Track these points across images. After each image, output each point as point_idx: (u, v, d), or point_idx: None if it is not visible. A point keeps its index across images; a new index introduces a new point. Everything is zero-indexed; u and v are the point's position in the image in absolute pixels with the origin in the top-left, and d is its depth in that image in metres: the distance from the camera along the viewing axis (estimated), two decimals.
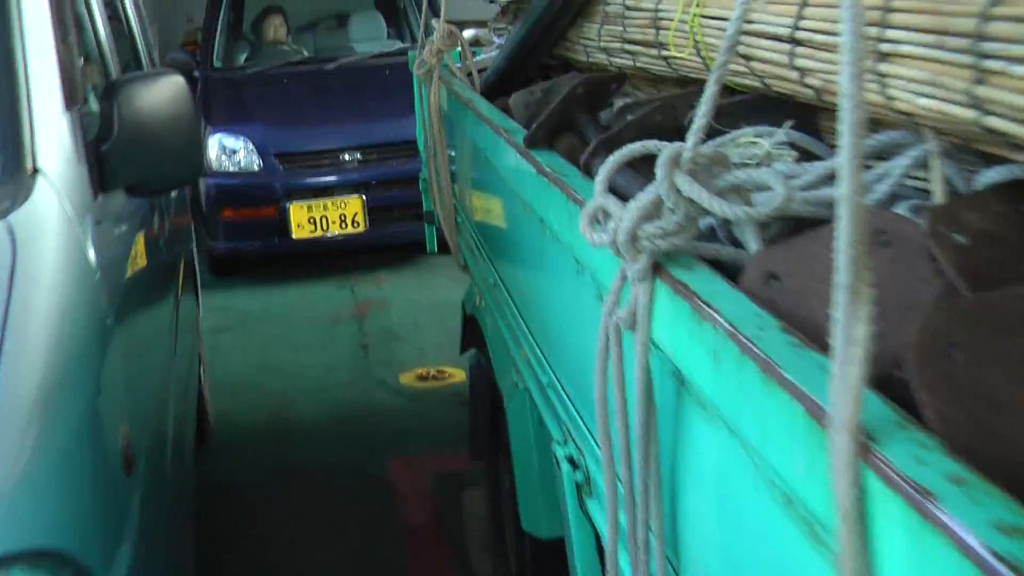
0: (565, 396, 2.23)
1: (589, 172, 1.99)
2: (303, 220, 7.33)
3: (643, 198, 1.33)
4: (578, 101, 2.18)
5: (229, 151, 7.42)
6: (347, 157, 7.47)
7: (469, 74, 3.83)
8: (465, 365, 6.01)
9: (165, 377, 3.18)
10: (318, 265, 7.89)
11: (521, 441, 2.87)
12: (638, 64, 2.42)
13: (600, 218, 1.40)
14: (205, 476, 4.78)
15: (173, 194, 4.64)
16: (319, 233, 7.37)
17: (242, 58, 8.77)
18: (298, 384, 5.88)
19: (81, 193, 2.13)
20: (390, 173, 7.43)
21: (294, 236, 7.36)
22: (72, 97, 2.23)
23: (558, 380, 2.30)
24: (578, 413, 2.14)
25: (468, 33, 4.39)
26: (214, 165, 7.44)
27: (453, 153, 3.88)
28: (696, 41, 1.95)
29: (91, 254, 2.07)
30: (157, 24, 11.83)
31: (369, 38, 8.95)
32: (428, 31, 5.65)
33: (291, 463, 4.95)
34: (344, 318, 6.92)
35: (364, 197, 7.37)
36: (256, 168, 7.40)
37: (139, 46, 4.37)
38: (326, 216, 7.34)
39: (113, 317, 2.18)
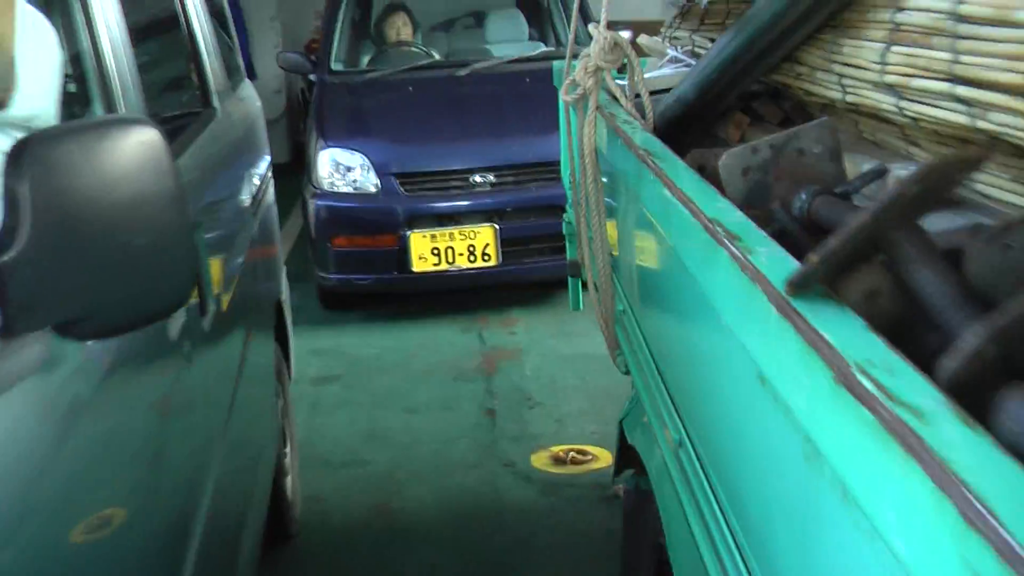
0: None
1: (956, 390, 0.89)
2: (426, 251, 6.28)
3: None
4: (904, 210, 1.07)
5: (343, 169, 6.41)
6: (478, 179, 6.39)
7: (637, 95, 2.75)
8: (610, 444, 4.93)
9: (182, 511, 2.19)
10: (441, 302, 6.84)
11: None
12: (995, 124, 1.28)
13: None
14: None
15: (261, 220, 3.67)
16: (444, 267, 6.30)
17: (365, 61, 7.78)
18: (410, 462, 4.84)
19: None
20: (528, 199, 6.34)
21: (415, 269, 6.30)
22: None
23: None
24: None
25: (623, 35, 3.26)
26: (325, 184, 6.43)
27: (615, 213, 2.78)
28: None
29: None
30: (280, 21, 10.99)
31: (508, 40, 7.87)
32: (579, 39, 4.56)
33: None
34: (469, 371, 5.85)
35: (497, 226, 6.29)
36: (373, 190, 6.36)
37: (204, 53, 3.34)
38: (452, 247, 6.27)
39: None
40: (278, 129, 11.09)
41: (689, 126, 2.69)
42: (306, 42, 11.11)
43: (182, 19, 3.22)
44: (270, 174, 4.39)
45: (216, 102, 3.33)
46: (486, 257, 6.29)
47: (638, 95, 2.79)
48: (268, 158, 4.38)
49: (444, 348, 6.22)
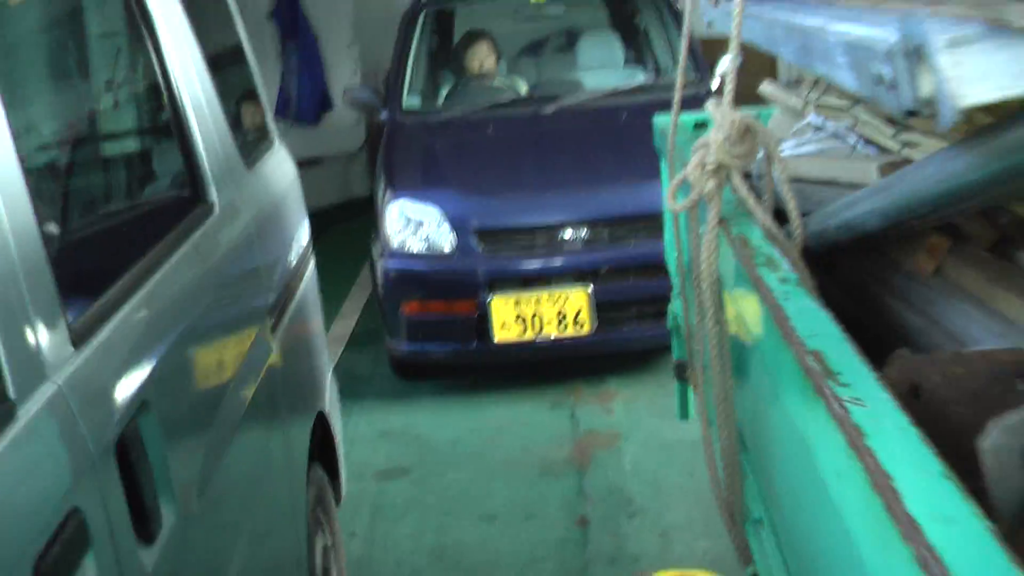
0: None
1: None
2: (509, 318, 5.45)
3: None
4: None
5: (414, 224, 5.60)
6: (569, 235, 5.53)
7: (758, 177, 1.90)
8: (726, 568, 4.09)
9: None
10: (528, 372, 5.99)
11: None
12: None
13: None
14: None
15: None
16: (530, 336, 5.46)
17: (443, 96, 6.98)
18: None
19: None
20: (626, 257, 5.46)
21: (497, 339, 5.47)
22: None
23: None
24: None
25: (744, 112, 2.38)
26: (394, 241, 5.62)
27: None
28: None
29: None
30: (359, 47, 10.24)
31: (601, 66, 7.01)
32: (703, 87, 3.73)
33: None
34: (558, 464, 5.01)
35: (591, 288, 5.44)
36: (448, 248, 5.55)
37: (195, 133, 2.53)
38: (540, 313, 5.44)
39: None
40: (358, 162, 10.36)
41: (853, 248, 1.83)
42: (387, 68, 10.34)
43: (164, 92, 2.42)
44: (310, 254, 3.61)
45: (213, 194, 2.54)
46: (578, 324, 5.44)
47: (760, 177, 1.95)
48: (304, 236, 3.58)
49: (530, 431, 5.38)
